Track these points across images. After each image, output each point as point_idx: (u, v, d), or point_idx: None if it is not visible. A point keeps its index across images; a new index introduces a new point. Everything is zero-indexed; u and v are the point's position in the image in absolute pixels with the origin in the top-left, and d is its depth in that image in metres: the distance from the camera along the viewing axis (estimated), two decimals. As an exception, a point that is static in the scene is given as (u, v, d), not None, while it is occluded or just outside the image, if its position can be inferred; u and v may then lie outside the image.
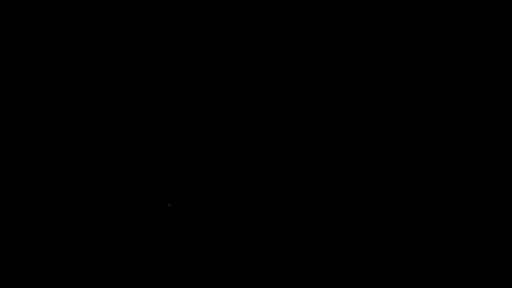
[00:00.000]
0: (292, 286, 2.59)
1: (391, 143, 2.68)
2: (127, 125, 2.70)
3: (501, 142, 2.65)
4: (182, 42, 2.74)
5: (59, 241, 2.62)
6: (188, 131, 2.71)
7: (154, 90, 2.72)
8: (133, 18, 2.72)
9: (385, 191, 2.66)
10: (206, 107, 2.72)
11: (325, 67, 2.72)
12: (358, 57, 2.72)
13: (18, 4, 2.72)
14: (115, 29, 2.72)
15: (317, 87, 2.72)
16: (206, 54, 2.73)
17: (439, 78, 2.70)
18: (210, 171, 2.69)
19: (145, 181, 2.67)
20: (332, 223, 2.64)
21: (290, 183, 2.67)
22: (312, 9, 2.72)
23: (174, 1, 2.73)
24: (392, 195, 2.65)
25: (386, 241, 2.62)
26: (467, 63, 2.70)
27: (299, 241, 2.63)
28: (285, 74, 2.72)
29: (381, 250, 2.61)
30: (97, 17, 2.72)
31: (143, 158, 2.68)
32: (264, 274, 2.60)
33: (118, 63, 2.72)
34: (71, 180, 2.66)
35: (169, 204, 2.60)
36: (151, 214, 2.64)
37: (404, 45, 2.71)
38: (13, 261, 2.59)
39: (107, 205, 2.65)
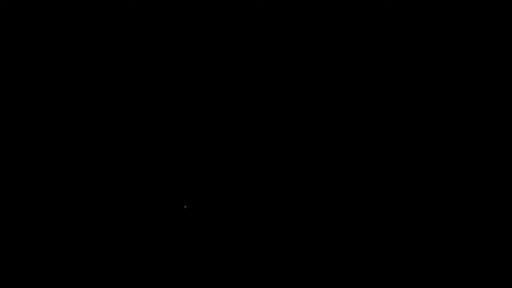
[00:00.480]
0: (293, 286, 2.60)
1: (391, 143, 2.68)
2: (134, 126, 2.70)
3: (501, 142, 2.66)
4: (183, 42, 2.74)
5: (64, 242, 2.63)
6: (192, 132, 2.71)
7: (157, 90, 2.73)
8: (133, 18, 2.72)
9: (385, 191, 2.66)
10: (207, 108, 2.72)
11: (325, 67, 2.72)
12: (358, 57, 2.72)
13: (18, 4, 2.72)
14: (115, 29, 2.73)
15: (317, 87, 2.72)
16: (206, 54, 2.74)
17: (439, 78, 2.70)
18: (215, 172, 2.69)
19: (156, 183, 2.68)
20: (333, 224, 2.65)
21: (292, 184, 2.68)
22: (312, 9, 2.73)
23: (174, 1, 2.73)
24: (392, 195, 2.66)
25: (386, 241, 2.62)
26: (467, 63, 2.70)
27: (301, 242, 2.64)
28: (286, 74, 2.72)
29: (381, 250, 2.62)
30: (97, 17, 2.72)
31: (153, 160, 2.69)
32: (266, 274, 2.61)
33: (118, 63, 2.73)
34: (79, 183, 2.66)
35: (185, 207, 2.61)
36: (161, 216, 2.64)
37: (404, 45, 2.71)
38: (26, 260, 2.59)
39: (117, 207, 2.65)
